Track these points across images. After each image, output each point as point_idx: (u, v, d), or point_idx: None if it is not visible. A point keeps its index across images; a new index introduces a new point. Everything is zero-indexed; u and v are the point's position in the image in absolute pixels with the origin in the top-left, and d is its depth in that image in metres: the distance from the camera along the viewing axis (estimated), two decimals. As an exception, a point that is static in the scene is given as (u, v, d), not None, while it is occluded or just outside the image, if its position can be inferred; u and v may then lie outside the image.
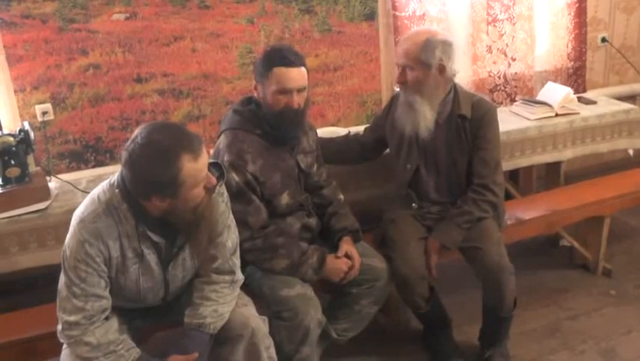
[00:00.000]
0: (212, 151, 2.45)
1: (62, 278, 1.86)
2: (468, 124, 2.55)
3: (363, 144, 2.83)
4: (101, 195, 1.86)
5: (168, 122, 1.79)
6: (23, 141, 2.48)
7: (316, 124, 3.40)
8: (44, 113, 2.95)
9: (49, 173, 2.82)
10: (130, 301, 2.02)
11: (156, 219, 1.87)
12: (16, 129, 2.55)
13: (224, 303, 2.06)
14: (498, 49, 3.63)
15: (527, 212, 3.00)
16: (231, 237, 2.10)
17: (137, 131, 1.78)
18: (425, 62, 2.47)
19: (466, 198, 2.57)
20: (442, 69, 2.50)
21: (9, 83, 2.88)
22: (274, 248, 2.32)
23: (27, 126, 2.51)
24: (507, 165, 3.15)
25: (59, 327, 1.87)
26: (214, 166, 1.97)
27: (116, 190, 1.85)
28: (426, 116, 2.53)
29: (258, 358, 2.05)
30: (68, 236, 1.86)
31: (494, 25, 3.59)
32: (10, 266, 2.50)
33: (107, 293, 1.90)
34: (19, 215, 2.45)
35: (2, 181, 2.49)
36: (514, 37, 3.62)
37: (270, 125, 2.33)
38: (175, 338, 2.05)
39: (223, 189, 2.06)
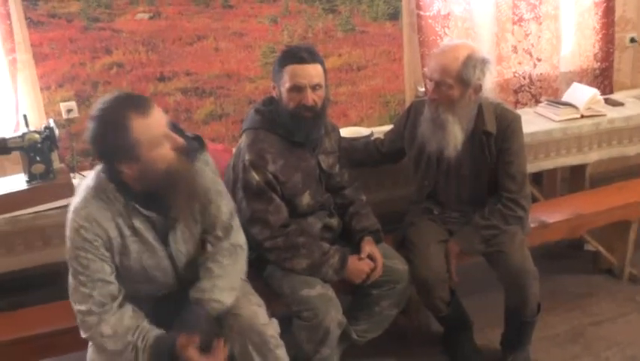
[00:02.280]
0: (234, 150, 2.47)
1: (70, 270, 1.89)
2: (492, 138, 2.48)
3: (383, 153, 2.79)
4: (89, 182, 1.91)
5: (116, 91, 1.80)
6: (48, 138, 2.50)
7: (339, 123, 3.38)
8: (69, 110, 2.98)
9: (73, 170, 2.85)
10: (142, 284, 2.01)
11: (142, 193, 1.88)
12: (41, 126, 2.57)
13: (224, 275, 2.04)
14: (523, 49, 3.58)
15: (551, 215, 2.95)
16: (224, 202, 2.10)
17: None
18: (465, 80, 2.36)
19: (494, 210, 2.50)
20: (478, 89, 2.42)
21: (35, 80, 2.91)
22: (295, 247, 2.32)
23: (52, 124, 2.53)
24: (531, 168, 3.09)
25: (77, 319, 1.89)
26: (196, 139, 2.02)
27: (102, 174, 1.88)
28: (456, 137, 2.44)
29: (253, 358, 2.03)
30: (67, 230, 1.88)
31: (520, 25, 3.54)
32: (34, 261, 2.53)
33: (112, 278, 1.91)
34: (44, 211, 2.47)
35: (28, 177, 2.52)
36: (539, 37, 3.57)
37: (286, 125, 2.32)
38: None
39: (208, 158, 2.07)
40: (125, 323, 1.88)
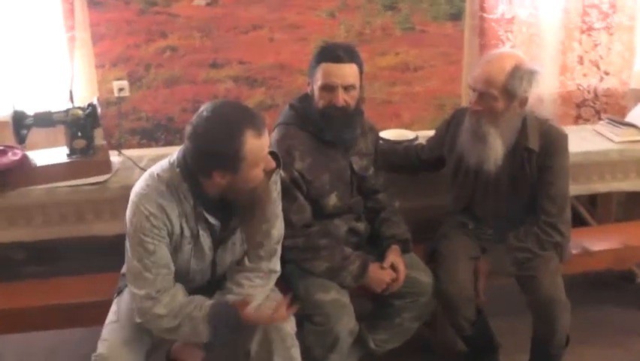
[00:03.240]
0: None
1: (129, 254, 1.90)
2: (534, 156, 2.35)
3: (422, 159, 2.68)
4: (161, 173, 1.89)
5: (234, 100, 1.83)
6: (91, 115, 2.57)
7: (391, 124, 3.34)
8: (120, 89, 3.08)
9: (119, 147, 2.93)
10: (178, 279, 2.02)
11: (214, 200, 1.89)
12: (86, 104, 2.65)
13: (251, 294, 2.04)
14: (590, 60, 3.39)
15: (597, 243, 2.75)
16: (278, 226, 2.09)
17: (202, 107, 1.82)
18: (511, 92, 2.23)
19: (531, 233, 2.37)
20: (524, 101, 2.28)
21: (91, 58, 3.01)
22: (316, 249, 2.28)
23: (95, 102, 2.60)
24: (581, 190, 2.93)
25: (135, 305, 1.92)
26: (272, 155, 1.97)
27: (177, 169, 1.87)
28: (497, 151, 2.31)
29: (271, 354, 2.02)
30: (129, 213, 1.88)
31: (589, 34, 3.35)
32: (67, 233, 2.60)
33: (173, 266, 1.93)
34: (80, 185, 2.54)
35: (69, 151, 2.59)
36: (610, 48, 3.36)
37: (317, 123, 2.28)
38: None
39: (277, 178, 2.06)
40: (177, 301, 1.90)
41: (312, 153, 2.30)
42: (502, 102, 2.26)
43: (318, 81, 2.23)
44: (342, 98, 2.22)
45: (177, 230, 1.89)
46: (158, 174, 1.89)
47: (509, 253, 2.38)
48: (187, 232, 1.91)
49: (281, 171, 2.21)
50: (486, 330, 2.56)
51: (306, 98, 2.36)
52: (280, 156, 2.23)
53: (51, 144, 2.85)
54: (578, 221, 3.25)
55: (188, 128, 1.80)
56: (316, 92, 2.25)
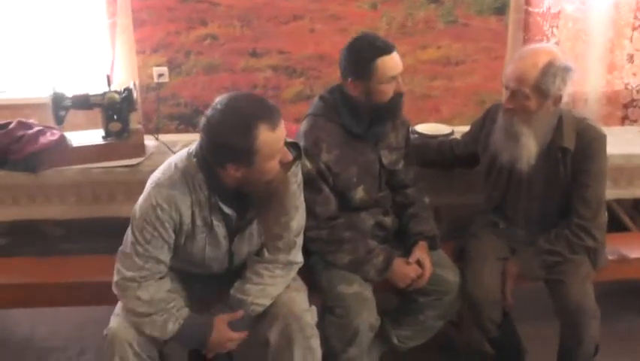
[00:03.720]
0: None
1: (129, 235, 1.94)
2: (569, 156, 2.26)
3: (457, 156, 2.61)
4: (179, 162, 1.91)
5: (249, 93, 1.82)
6: (127, 99, 2.62)
7: (430, 118, 3.29)
8: (160, 75, 3.13)
9: (157, 132, 2.98)
10: (194, 266, 2.07)
11: (230, 190, 1.89)
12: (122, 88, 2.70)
13: (274, 284, 2.05)
14: (641, 59, 3.25)
15: (635, 250, 2.62)
16: (297, 218, 2.07)
17: (217, 99, 1.82)
18: (544, 90, 2.14)
19: (561, 236, 2.28)
20: (558, 100, 2.19)
21: (132, 44, 3.07)
22: (340, 241, 2.26)
23: (132, 86, 2.65)
24: (623, 194, 2.83)
25: (115, 278, 1.95)
26: (292, 146, 1.96)
27: (194, 159, 1.88)
28: (530, 150, 2.24)
29: (291, 343, 2.01)
30: (142, 197, 1.92)
31: (640, 32, 3.23)
32: (99, 213, 2.69)
33: (167, 259, 1.95)
34: (113, 167, 2.60)
35: (104, 134, 2.65)
36: (663, 47, 3.22)
37: (374, 118, 2.26)
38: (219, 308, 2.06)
39: (298, 169, 2.05)
40: (161, 294, 1.93)
41: (340, 145, 2.27)
42: (534, 101, 2.17)
43: (381, 77, 2.19)
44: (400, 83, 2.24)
45: (188, 220, 1.91)
46: (175, 164, 1.91)
47: (538, 256, 2.30)
48: (199, 222, 1.92)
49: (307, 162, 2.21)
50: (512, 334, 2.48)
51: (337, 90, 2.34)
52: (307, 147, 2.24)
53: (93, 126, 2.93)
54: (619, 226, 3.13)
55: (203, 120, 1.80)
56: (379, 88, 2.21)
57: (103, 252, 2.63)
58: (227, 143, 1.76)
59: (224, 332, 1.98)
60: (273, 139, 1.78)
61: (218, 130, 1.76)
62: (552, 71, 2.13)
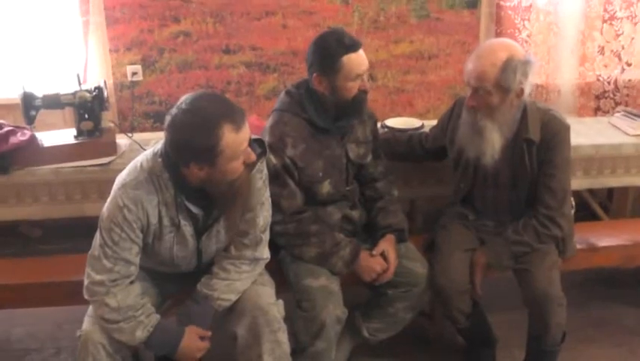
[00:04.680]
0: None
1: (97, 238, 1.94)
2: (535, 147, 2.28)
3: (426, 149, 2.63)
4: (144, 162, 1.92)
5: (214, 92, 1.82)
6: (97, 97, 2.62)
7: (404, 113, 3.32)
8: (134, 73, 3.14)
9: (132, 130, 2.99)
10: (163, 266, 2.09)
11: (195, 189, 1.90)
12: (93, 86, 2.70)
13: (240, 280, 2.07)
14: (612, 51, 3.27)
15: (603, 238, 2.64)
16: (263, 214, 2.09)
17: (182, 98, 1.82)
18: (505, 86, 2.17)
19: (529, 226, 2.31)
20: (520, 93, 2.21)
21: (105, 42, 3.07)
22: (306, 235, 2.28)
23: (103, 84, 2.65)
24: (593, 183, 2.85)
25: (85, 283, 1.95)
26: (257, 142, 1.97)
27: (159, 159, 1.89)
28: (494, 145, 2.26)
29: (258, 337, 2.03)
30: (109, 199, 1.93)
31: (611, 24, 3.23)
32: (75, 212, 2.68)
33: (136, 260, 1.96)
34: (85, 166, 2.60)
35: (76, 133, 2.66)
36: (633, 38, 3.24)
37: (339, 113, 2.28)
38: (186, 303, 2.09)
39: (263, 166, 2.06)
40: (129, 301, 1.93)
41: (306, 139, 2.29)
42: (496, 96, 2.20)
43: (346, 74, 2.20)
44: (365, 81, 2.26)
45: (154, 220, 1.92)
46: (141, 164, 1.92)
47: (506, 246, 2.33)
48: (167, 221, 1.93)
49: (272, 157, 2.23)
50: (482, 323, 2.51)
51: (304, 85, 2.35)
52: (273, 143, 2.25)
53: (69, 126, 2.94)
54: (591, 216, 3.16)
55: (168, 119, 1.80)
56: (345, 85, 2.22)
57: (82, 252, 2.67)
58: (190, 143, 1.77)
59: (194, 342, 2.00)
60: (237, 140, 1.79)
61: (181, 130, 1.77)
62: (512, 67, 2.15)
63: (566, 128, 2.30)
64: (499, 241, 2.36)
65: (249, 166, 1.89)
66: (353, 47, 2.20)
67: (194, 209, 1.94)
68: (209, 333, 2.03)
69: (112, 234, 1.88)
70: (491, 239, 2.42)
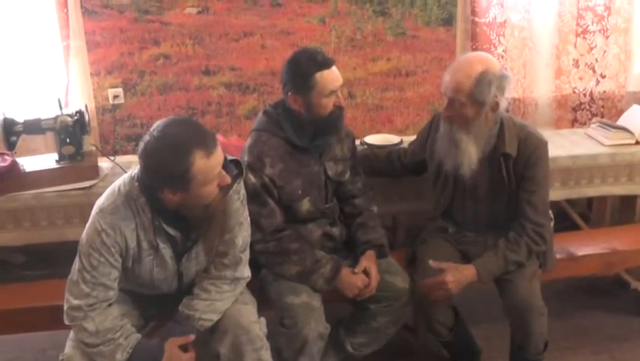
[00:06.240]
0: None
1: (76, 262, 1.95)
2: (512, 162, 2.32)
3: (404, 164, 2.67)
4: (122, 186, 1.94)
5: (186, 118, 1.84)
6: (79, 121, 2.63)
7: (383, 129, 3.36)
8: (115, 96, 3.15)
9: (114, 153, 3.00)
10: (144, 288, 2.10)
11: (172, 212, 1.91)
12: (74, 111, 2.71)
13: (221, 300, 2.08)
14: (586, 63, 3.34)
15: (582, 248, 2.69)
16: (242, 234, 2.11)
17: (155, 125, 1.84)
18: (479, 99, 2.21)
19: (522, 243, 2.31)
20: (495, 107, 2.26)
21: (86, 66, 3.09)
22: (287, 253, 2.30)
23: (84, 109, 2.67)
24: (570, 194, 2.89)
25: (64, 308, 1.96)
26: (234, 163, 1.99)
27: (136, 183, 1.91)
28: (470, 156, 2.30)
29: (241, 356, 2.04)
30: (88, 224, 1.94)
31: (584, 37, 3.31)
32: (57, 237, 2.68)
33: (115, 285, 1.97)
34: (68, 190, 2.61)
35: (58, 157, 2.66)
36: (605, 51, 3.31)
37: (316, 131, 2.31)
38: (168, 325, 2.09)
39: (240, 186, 2.07)
40: (107, 324, 1.94)
41: (284, 158, 2.32)
42: (471, 109, 2.24)
43: (320, 91, 2.24)
44: (341, 97, 2.30)
45: (133, 244, 1.93)
46: (119, 188, 1.94)
47: (498, 262, 2.32)
48: (145, 245, 1.95)
49: (251, 177, 2.25)
50: (465, 335, 2.54)
51: (281, 104, 2.38)
52: (251, 162, 2.28)
53: (51, 150, 2.94)
54: (572, 226, 3.20)
55: (141, 146, 1.82)
56: (320, 101, 2.26)
57: (66, 277, 2.67)
58: (162, 170, 1.79)
59: (175, 355, 2.00)
60: (209, 166, 1.81)
61: (153, 157, 1.80)
62: (487, 80, 2.20)
63: (544, 144, 2.35)
64: (490, 257, 2.34)
65: (224, 189, 1.91)
66: (326, 64, 2.25)
67: (172, 232, 1.96)
68: (192, 338, 2.01)
69: (90, 259, 1.90)
70: (476, 252, 2.42)
